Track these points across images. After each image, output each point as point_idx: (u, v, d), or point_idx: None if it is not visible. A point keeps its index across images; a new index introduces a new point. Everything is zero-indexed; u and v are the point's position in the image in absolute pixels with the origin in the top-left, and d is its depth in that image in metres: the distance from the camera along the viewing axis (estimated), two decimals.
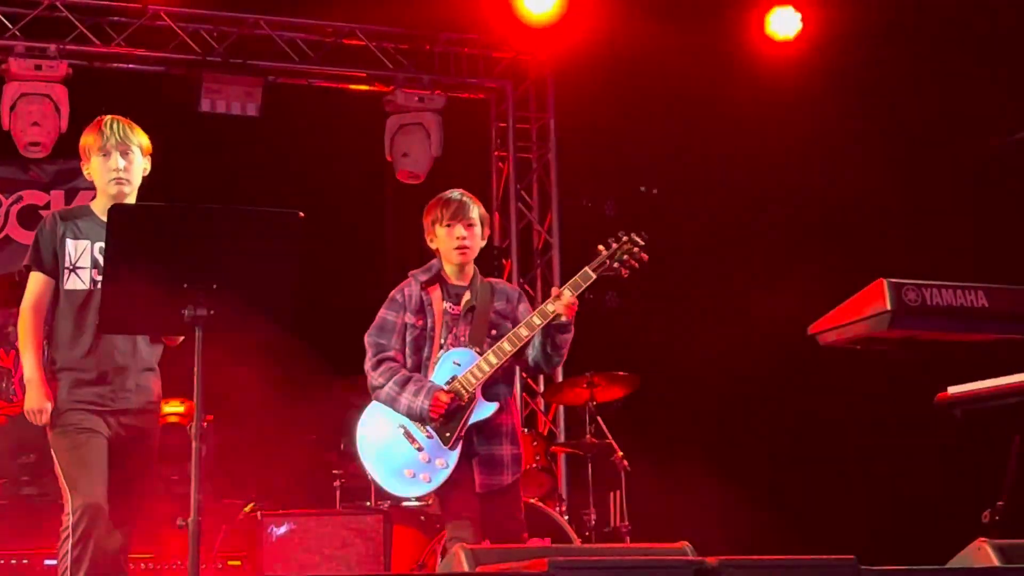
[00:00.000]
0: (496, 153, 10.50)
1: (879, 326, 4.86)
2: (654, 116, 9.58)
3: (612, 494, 8.23)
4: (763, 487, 9.10)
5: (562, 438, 9.72)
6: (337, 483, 8.09)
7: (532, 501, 7.59)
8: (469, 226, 5.46)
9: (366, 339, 5.51)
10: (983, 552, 4.22)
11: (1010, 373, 5.16)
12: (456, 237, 5.45)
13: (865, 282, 4.94)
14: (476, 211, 5.50)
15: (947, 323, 4.91)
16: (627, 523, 8.06)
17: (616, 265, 5.39)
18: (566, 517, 7.86)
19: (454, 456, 5.31)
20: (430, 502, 5.42)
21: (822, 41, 9.57)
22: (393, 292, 5.56)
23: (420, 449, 5.35)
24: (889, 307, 4.79)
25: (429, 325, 5.43)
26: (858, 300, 4.97)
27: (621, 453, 8.05)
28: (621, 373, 8.17)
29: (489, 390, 5.37)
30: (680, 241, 9.66)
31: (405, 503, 5.31)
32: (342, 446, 8.41)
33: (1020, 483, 5.47)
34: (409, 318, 5.45)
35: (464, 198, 5.52)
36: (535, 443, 8.16)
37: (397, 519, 7.80)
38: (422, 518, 8.06)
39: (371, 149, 9.94)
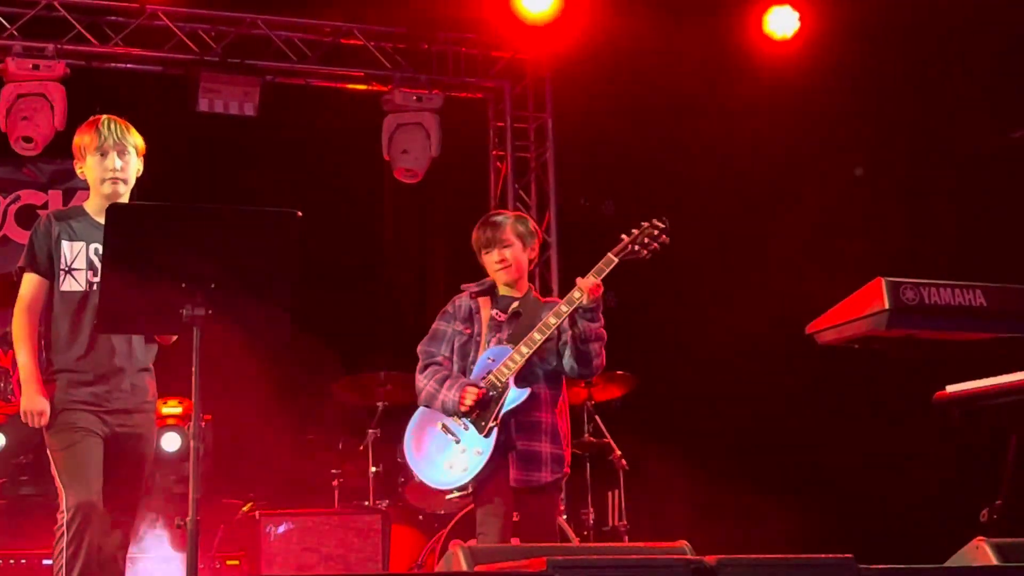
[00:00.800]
0: (494, 152, 10.49)
1: (877, 325, 4.87)
2: (652, 115, 9.57)
3: (610, 493, 8.23)
4: (761, 486, 9.09)
5: None
6: (335, 482, 8.08)
7: None
8: (504, 247, 5.61)
9: (419, 349, 5.69)
10: (981, 551, 4.22)
11: (1008, 372, 5.17)
12: (494, 262, 5.63)
13: (863, 281, 4.95)
14: (511, 230, 5.63)
15: (945, 322, 4.92)
16: (625, 522, 8.07)
17: (637, 247, 5.50)
18: (564, 516, 7.85)
19: (489, 444, 5.37)
20: (470, 491, 5.44)
21: (820, 40, 9.56)
22: (446, 306, 5.72)
23: (458, 442, 5.44)
24: (887, 306, 4.80)
25: (476, 331, 5.59)
26: (856, 299, 4.97)
27: (619, 452, 8.06)
28: (619, 372, 8.18)
29: (523, 382, 5.42)
30: (677, 240, 9.64)
31: (449, 497, 5.36)
32: (340, 445, 8.42)
33: (1018, 482, 5.47)
34: (458, 326, 5.62)
35: (499, 219, 5.69)
36: None
37: (395, 518, 7.80)
38: (420, 518, 8.07)
39: (369, 148, 9.93)
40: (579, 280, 5.41)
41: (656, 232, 5.52)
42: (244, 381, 8.13)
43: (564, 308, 5.34)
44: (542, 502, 5.48)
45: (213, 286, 4.54)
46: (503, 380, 5.38)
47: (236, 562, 7.64)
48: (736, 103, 9.36)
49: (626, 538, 7.99)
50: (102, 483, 4.86)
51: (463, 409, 5.37)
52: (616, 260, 5.45)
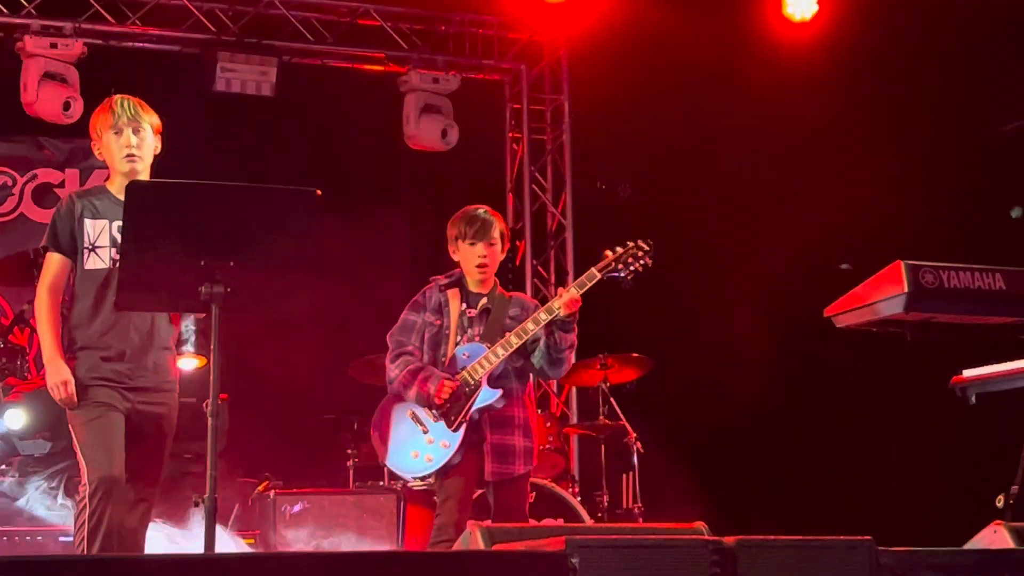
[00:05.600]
0: (510, 135, 10.49)
1: (895, 308, 4.86)
2: (669, 98, 9.54)
3: (625, 475, 8.24)
4: (777, 468, 9.10)
5: (575, 419, 9.73)
6: (350, 462, 8.10)
7: (545, 482, 7.59)
8: (490, 245, 5.74)
9: (388, 338, 5.80)
10: (999, 535, 4.24)
11: None
12: (478, 255, 5.72)
13: (881, 264, 4.93)
14: (498, 230, 5.78)
15: (964, 305, 4.90)
16: (640, 504, 8.07)
17: (620, 267, 5.63)
18: (578, 498, 7.86)
19: (456, 438, 5.56)
20: (432, 482, 5.66)
21: (839, 23, 9.52)
22: (416, 296, 5.84)
23: (426, 432, 5.63)
24: (906, 289, 4.78)
25: (445, 324, 5.72)
26: (875, 282, 4.96)
27: (634, 434, 8.06)
28: (634, 355, 8.18)
29: (497, 381, 5.60)
30: (694, 223, 9.64)
31: (411, 484, 5.73)
32: (355, 425, 8.43)
33: None
34: (429, 317, 5.75)
35: (488, 216, 5.79)
36: (548, 424, 8.16)
37: (410, 498, 7.81)
38: (435, 498, 8.06)
39: (386, 128, 9.93)
40: (560, 292, 5.57)
41: (640, 254, 5.64)
42: (261, 359, 8.15)
43: (543, 316, 5.50)
44: (516, 492, 5.64)
45: (232, 264, 4.54)
46: (476, 378, 5.55)
47: (251, 541, 7.66)
48: (754, 85, 9.34)
49: (640, 520, 7.99)
50: (124, 458, 4.88)
51: (438, 402, 5.54)
52: (599, 276, 5.60)
